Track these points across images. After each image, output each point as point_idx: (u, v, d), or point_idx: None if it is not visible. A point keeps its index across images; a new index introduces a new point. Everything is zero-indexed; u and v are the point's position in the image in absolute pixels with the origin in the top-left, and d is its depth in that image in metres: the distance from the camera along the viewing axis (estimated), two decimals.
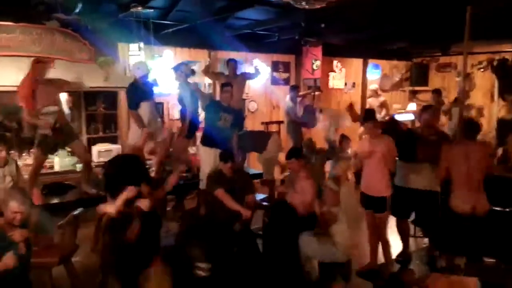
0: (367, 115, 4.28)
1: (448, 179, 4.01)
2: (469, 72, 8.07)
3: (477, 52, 7.91)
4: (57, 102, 4.63)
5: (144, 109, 5.04)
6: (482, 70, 8.28)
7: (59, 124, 4.46)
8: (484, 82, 8.44)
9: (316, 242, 3.73)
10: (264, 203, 5.26)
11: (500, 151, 6.04)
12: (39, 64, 4.51)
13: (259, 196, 5.52)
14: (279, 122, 7.88)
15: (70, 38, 5.79)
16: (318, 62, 8.11)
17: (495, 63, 7.88)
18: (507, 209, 4.50)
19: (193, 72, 5.61)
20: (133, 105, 5.08)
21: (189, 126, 5.58)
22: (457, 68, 8.76)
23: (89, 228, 4.55)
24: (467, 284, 2.90)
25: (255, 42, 7.22)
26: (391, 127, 4.59)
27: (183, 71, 5.43)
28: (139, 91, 5.04)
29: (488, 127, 8.13)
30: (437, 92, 7.75)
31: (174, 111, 6.76)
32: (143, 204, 3.22)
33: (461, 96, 5.23)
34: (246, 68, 6.73)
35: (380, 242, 4.22)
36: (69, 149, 5.40)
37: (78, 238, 3.94)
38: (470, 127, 4.07)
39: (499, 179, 5.17)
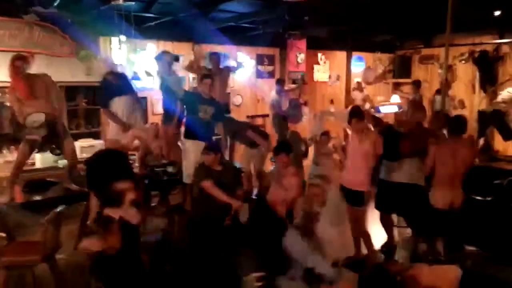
0: (352, 113, 4.26)
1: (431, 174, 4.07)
2: (451, 64, 8.18)
3: (459, 44, 8.01)
4: (48, 106, 4.48)
5: (120, 104, 4.99)
6: (463, 62, 8.40)
7: (47, 131, 4.38)
8: (466, 73, 8.56)
9: (303, 245, 3.69)
10: (254, 197, 5.31)
11: (481, 141, 6.17)
12: (18, 61, 4.33)
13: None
14: (264, 116, 7.88)
15: (50, 32, 5.68)
16: (303, 55, 8.12)
17: (476, 55, 7.99)
18: (488, 198, 4.60)
19: (176, 59, 5.54)
20: (102, 103, 5.08)
21: (169, 115, 5.52)
22: (439, 60, 8.86)
23: (73, 225, 4.52)
24: (449, 272, 2.95)
25: (239, 35, 7.18)
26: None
27: (166, 59, 5.36)
28: (110, 87, 4.98)
29: (469, 118, 8.26)
30: (416, 84, 7.84)
31: (158, 106, 6.70)
32: (132, 216, 3.17)
33: (443, 88, 5.29)
34: (230, 62, 6.70)
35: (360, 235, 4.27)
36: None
37: (62, 236, 3.89)
38: (458, 123, 4.10)
39: (480, 169, 5.28)
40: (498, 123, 5.94)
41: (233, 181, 4.32)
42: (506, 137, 5.91)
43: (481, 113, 6.38)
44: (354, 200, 4.13)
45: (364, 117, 4.21)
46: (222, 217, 4.05)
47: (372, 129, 4.31)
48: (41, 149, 4.82)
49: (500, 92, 6.32)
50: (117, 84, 5.03)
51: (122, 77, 5.21)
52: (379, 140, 4.07)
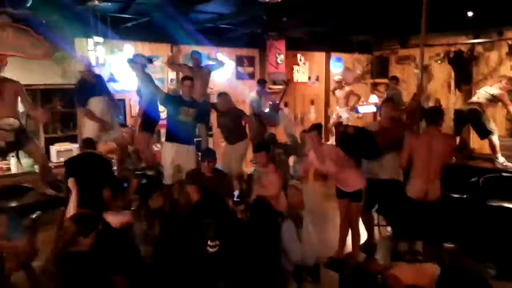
0: (312, 127, 4.33)
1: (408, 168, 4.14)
2: (427, 64, 8.32)
3: (434, 45, 8.17)
4: (16, 111, 4.42)
5: (95, 105, 4.99)
6: (439, 62, 8.56)
7: (14, 137, 4.28)
8: (441, 73, 8.73)
9: (295, 237, 3.70)
10: (236, 200, 5.27)
11: (457, 140, 6.30)
12: None
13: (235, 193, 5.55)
14: None
15: (23, 34, 5.52)
16: (282, 56, 8.13)
17: (451, 55, 8.16)
18: (465, 196, 4.70)
19: (150, 61, 5.53)
20: (81, 101, 5.09)
21: (147, 120, 5.50)
22: (415, 60, 9.01)
23: (50, 231, 4.41)
24: (428, 269, 3.00)
25: (218, 36, 7.15)
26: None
27: (139, 62, 5.32)
28: (87, 86, 5.01)
29: (445, 117, 8.43)
30: (394, 79, 7.94)
31: (136, 108, 6.61)
32: (113, 220, 3.13)
33: (419, 87, 5.39)
34: (210, 61, 6.68)
35: (350, 232, 4.31)
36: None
37: (39, 242, 3.79)
38: (433, 113, 4.18)
39: (457, 167, 5.39)
40: (475, 122, 6.07)
41: (222, 190, 4.29)
42: (482, 136, 6.05)
43: (458, 112, 6.49)
44: (352, 197, 4.18)
45: (318, 130, 4.29)
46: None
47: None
48: (3, 155, 4.72)
49: (476, 91, 6.46)
50: (93, 83, 5.02)
51: (97, 77, 5.18)
52: (336, 148, 4.13)
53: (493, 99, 5.99)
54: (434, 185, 3.94)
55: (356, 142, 4.19)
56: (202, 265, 3.29)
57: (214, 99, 7.52)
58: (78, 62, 5.30)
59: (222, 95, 5.53)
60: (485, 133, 5.96)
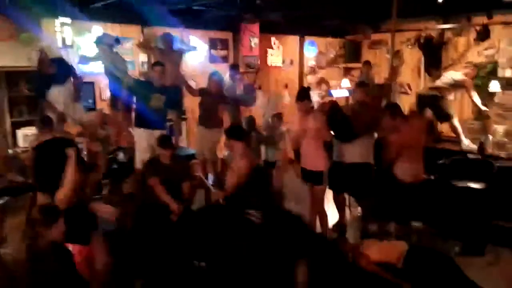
0: (301, 94, 4.37)
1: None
2: (398, 49, 8.44)
3: (405, 30, 8.28)
4: None
5: (58, 93, 4.93)
6: (409, 47, 8.69)
7: None
8: (412, 58, 8.89)
9: None
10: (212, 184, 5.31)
11: None
12: None
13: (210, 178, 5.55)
14: None
15: None
16: (256, 40, 8.09)
17: (421, 40, 8.30)
18: (432, 177, 4.86)
19: (117, 42, 5.40)
20: (39, 93, 5.05)
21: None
22: (387, 45, 9.11)
23: (19, 218, 4.32)
24: (396, 247, 3.12)
25: (191, 18, 7.01)
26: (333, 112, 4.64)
27: (106, 42, 5.20)
28: (42, 79, 4.92)
29: (414, 101, 8.61)
30: (367, 64, 8.03)
31: (106, 91, 6.45)
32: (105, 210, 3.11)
33: (390, 72, 5.48)
34: (182, 44, 6.58)
35: (317, 213, 4.40)
36: None
37: (7, 228, 3.71)
38: (395, 108, 4.33)
39: (425, 150, 5.54)
40: (434, 107, 6.20)
41: (182, 175, 4.27)
42: (441, 120, 6.21)
43: (420, 96, 6.62)
44: (314, 180, 4.26)
45: (309, 98, 4.34)
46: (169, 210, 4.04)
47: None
48: None
49: (442, 75, 6.60)
50: (53, 73, 4.92)
51: (59, 64, 5.06)
52: (325, 124, 4.19)
53: (456, 84, 6.13)
54: (420, 166, 4.12)
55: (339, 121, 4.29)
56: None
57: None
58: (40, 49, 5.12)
59: (215, 76, 5.46)
60: (444, 117, 6.11)
